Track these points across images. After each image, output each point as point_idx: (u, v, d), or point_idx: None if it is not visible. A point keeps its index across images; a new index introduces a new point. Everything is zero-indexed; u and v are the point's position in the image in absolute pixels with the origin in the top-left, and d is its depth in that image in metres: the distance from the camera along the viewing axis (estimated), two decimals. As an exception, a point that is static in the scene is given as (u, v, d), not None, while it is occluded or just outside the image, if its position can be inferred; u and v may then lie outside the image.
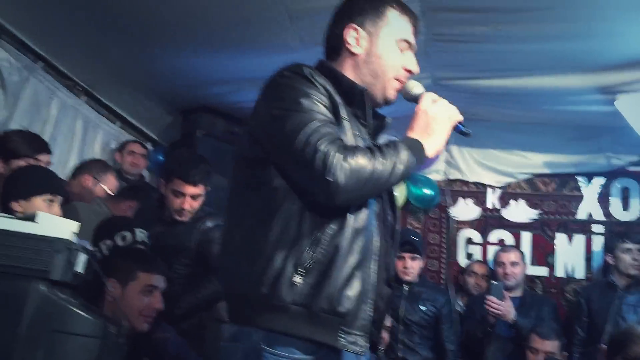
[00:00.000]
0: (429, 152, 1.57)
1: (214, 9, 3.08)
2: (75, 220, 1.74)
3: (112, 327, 1.64)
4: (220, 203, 3.68)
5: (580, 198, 4.64)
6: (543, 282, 4.60)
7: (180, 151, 4.30)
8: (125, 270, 2.19)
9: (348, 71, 1.66)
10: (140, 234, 2.64)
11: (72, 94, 4.06)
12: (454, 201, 4.84)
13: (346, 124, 1.55)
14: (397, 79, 1.68)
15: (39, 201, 2.37)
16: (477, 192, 4.80)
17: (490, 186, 4.77)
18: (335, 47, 1.70)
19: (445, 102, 1.64)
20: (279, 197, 1.48)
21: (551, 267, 4.61)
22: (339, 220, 1.47)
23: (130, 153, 4.20)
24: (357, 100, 1.61)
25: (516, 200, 4.73)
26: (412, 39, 1.70)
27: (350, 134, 1.54)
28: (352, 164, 1.40)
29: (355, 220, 1.49)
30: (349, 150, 1.42)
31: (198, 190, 2.97)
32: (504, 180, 4.73)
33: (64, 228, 1.65)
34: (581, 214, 4.63)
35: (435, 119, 1.59)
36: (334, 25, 1.71)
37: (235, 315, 1.52)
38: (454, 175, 4.79)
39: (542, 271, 4.62)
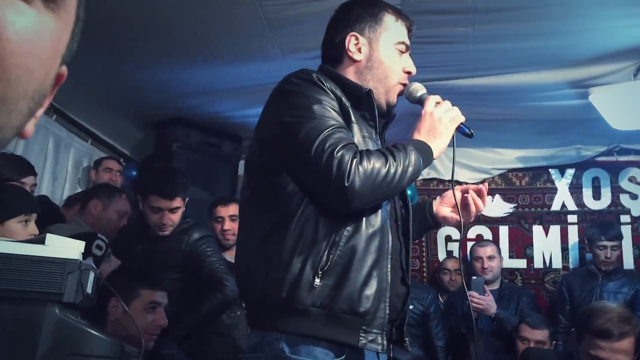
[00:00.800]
0: (435, 153, 1.60)
1: (189, 21, 3.05)
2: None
3: (129, 348, 1.61)
4: (198, 215, 3.66)
5: (553, 190, 4.75)
6: (522, 274, 4.68)
7: (154, 166, 4.24)
8: (127, 288, 2.15)
9: (351, 77, 1.68)
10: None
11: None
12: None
13: (355, 127, 1.57)
14: (400, 83, 1.71)
15: (13, 224, 2.24)
16: (454, 190, 4.84)
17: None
18: (336, 55, 1.71)
19: (448, 103, 1.67)
20: (294, 203, 1.48)
21: (529, 259, 4.69)
22: (355, 222, 1.49)
23: (106, 170, 4.11)
24: (364, 101, 1.62)
25: (492, 196, 4.81)
26: (408, 42, 1.74)
27: (359, 137, 1.56)
28: (367, 169, 1.42)
29: (370, 221, 1.51)
30: (363, 155, 1.43)
31: (175, 203, 2.92)
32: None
33: (73, 248, 1.61)
34: (555, 205, 4.73)
35: (441, 121, 1.63)
36: (333, 33, 1.73)
37: (256, 321, 1.53)
38: (431, 174, 4.84)
39: (521, 263, 4.69)
